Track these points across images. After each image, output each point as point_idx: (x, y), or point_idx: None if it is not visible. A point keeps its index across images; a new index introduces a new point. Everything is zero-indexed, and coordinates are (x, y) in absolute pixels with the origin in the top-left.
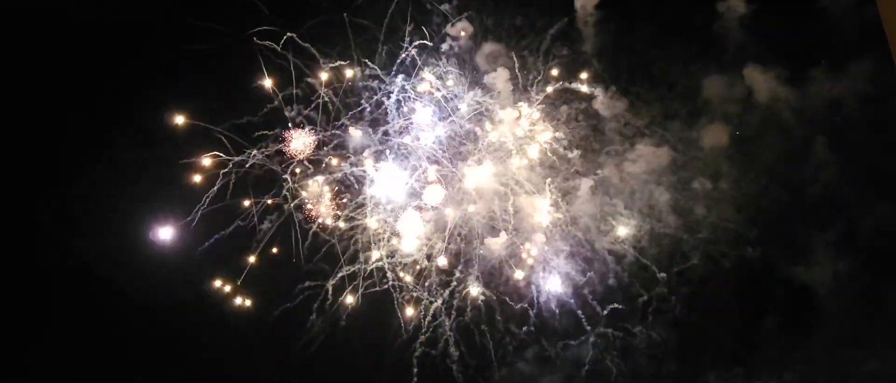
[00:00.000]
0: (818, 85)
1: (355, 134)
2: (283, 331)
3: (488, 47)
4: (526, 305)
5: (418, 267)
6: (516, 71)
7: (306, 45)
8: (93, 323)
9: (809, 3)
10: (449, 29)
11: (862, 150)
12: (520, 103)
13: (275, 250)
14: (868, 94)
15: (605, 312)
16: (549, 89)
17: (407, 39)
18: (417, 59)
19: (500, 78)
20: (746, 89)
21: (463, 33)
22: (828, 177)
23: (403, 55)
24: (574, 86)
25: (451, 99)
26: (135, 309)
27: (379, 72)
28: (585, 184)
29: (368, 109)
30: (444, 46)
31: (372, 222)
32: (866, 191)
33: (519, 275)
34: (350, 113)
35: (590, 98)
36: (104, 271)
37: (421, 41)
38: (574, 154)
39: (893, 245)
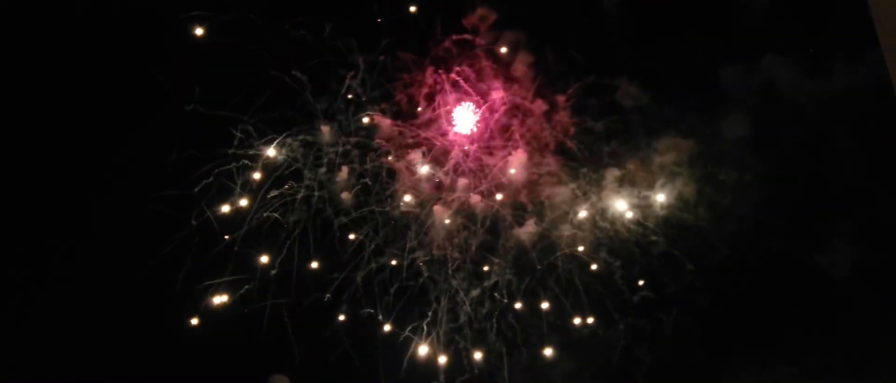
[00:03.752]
0: (838, 74)
1: (383, 125)
2: (313, 322)
3: (509, 35)
4: (557, 292)
5: (448, 257)
6: (551, 64)
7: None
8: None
9: None
10: (469, 15)
11: (882, 140)
12: (549, 94)
13: (303, 241)
14: (886, 84)
15: (637, 299)
16: (580, 82)
17: (438, 29)
18: (453, 50)
19: (521, 66)
20: (767, 79)
21: (483, 20)
22: (849, 166)
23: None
24: (605, 80)
25: (483, 91)
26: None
27: (409, 62)
28: (612, 174)
29: (396, 100)
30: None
31: (396, 214)
32: (889, 181)
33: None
34: (377, 105)
35: (616, 89)
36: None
37: (459, 36)
38: (609, 146)
39: None
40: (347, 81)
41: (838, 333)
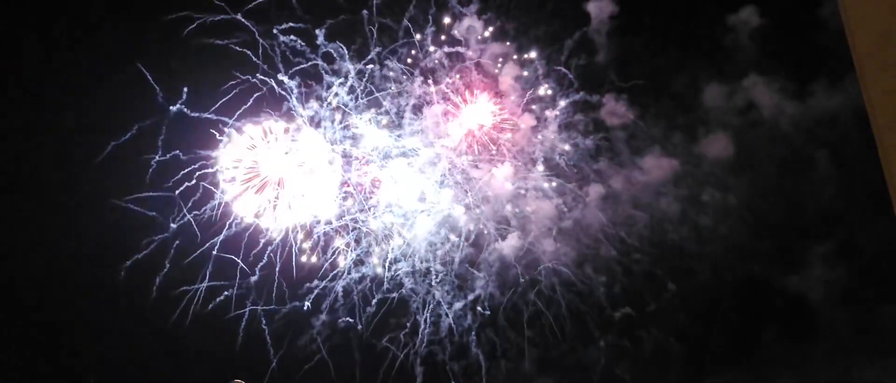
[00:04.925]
0: (819, 98)
1: (369, 133)
2: (291, 330)
3: (497, 48)
4: (539, 307)
5: (431, 269)
6: (541, 79)
7: (335, 44)
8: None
9: (812, 15)
10: (456, 27)
11: (861, 164)
12: (537, 110)
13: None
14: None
15: (618, 315)
16: (568, 99)
17: (429, 39)
18: (444, 62)
19: (508, 80)
20: (750, 101)
21: (470, 31)
22: (828, 190)
23: (424, 59)
24: (592, 98)
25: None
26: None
27: (398, 73)
28: (595, 191)
29: (386, 110)
30: (469, 52)
31: (379, 225)
32: (864, 205)
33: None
34: (364, 114)
35: (601, 107)
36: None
37: (452, 50)
38: (597, 163)
39: (892, 259)
40: (335, 89)
41: (813, 353)
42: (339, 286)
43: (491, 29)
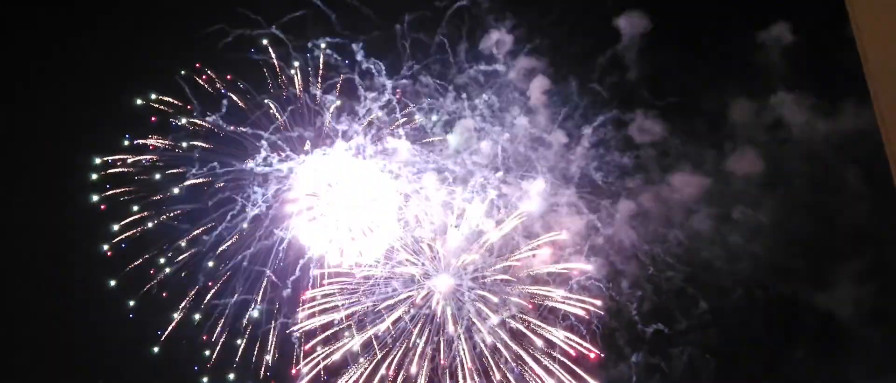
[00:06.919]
0: (849, 115)
1: (401, 148)
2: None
3: (525, 61)
4: (572, 320)
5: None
6: (575, 97)
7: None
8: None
9: (842, 32)
10: (485, 40)
11: (891, 182)
12: (569, 127)
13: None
14: None
15: (650, 331)
16: (601, 116)
17: (462, 55)
18: (480, 79)
19: (539, 95)
20: (780, 118)
21: (498, 45)
22: (859, 208)
23: (457, 73)
24: (624, 115)
25: (505, 121)
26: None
27: (430, 87)
28: (626, 208)
29: (419, 125)
30: (501, 68)
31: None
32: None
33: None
34: (395, 128)
35: (633, 122)
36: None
37: (491, 67)
38: (632, 179)
39: None
40: (369, 104)
41: (844, 370)
42: (369, 301)
43: (527, 47)
